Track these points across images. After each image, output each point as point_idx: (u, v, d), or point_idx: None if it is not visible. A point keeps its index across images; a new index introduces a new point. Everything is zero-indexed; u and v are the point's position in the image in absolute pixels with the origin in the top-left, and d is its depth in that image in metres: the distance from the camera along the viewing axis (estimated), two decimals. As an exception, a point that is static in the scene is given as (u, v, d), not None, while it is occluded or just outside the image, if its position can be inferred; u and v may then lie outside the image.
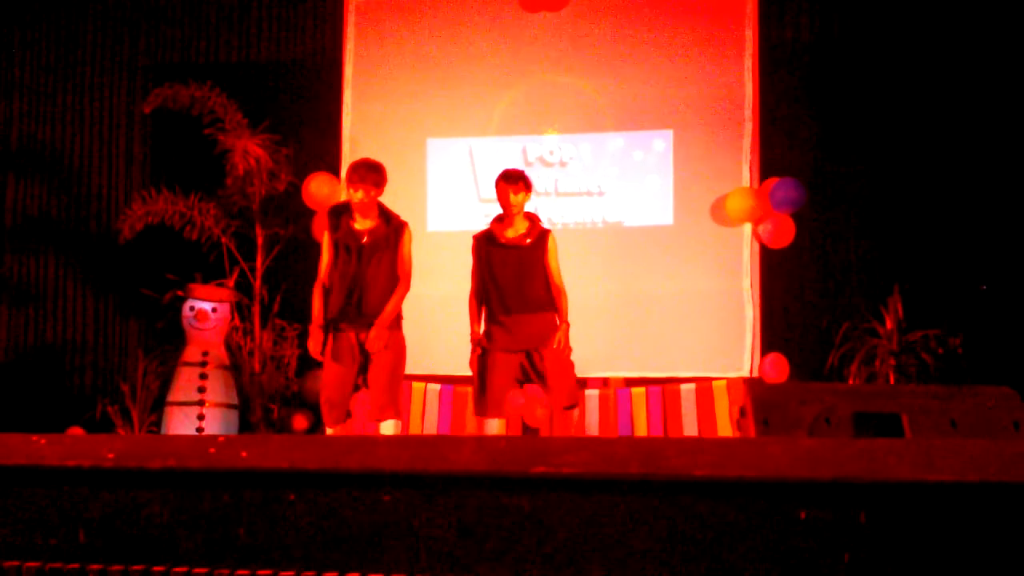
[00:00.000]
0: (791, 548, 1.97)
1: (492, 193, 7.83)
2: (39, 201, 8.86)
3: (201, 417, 7.10)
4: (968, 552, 1.93)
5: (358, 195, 5.58)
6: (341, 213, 5.71)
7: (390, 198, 5.82)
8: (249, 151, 7.72)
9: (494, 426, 5.80)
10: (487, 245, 5.86)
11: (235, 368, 7.47)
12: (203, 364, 7.22)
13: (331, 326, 5.61)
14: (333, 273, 5.65)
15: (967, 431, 2.72)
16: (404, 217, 5.81)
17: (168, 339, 7.66)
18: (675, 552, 2.01)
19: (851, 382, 6.93)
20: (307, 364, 7.64)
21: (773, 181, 7.48)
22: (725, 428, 7.00)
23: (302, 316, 7.78)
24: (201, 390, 7.16)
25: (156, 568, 2.14)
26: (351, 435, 5.52)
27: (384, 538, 2.10)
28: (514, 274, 5.78)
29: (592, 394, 7.29)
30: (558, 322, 5.80)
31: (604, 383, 7.36)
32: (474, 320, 5.85)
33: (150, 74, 8.70)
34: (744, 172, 7.57)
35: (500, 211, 5.94)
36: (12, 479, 2.25)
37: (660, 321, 7.54)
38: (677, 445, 2.04)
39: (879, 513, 1.95)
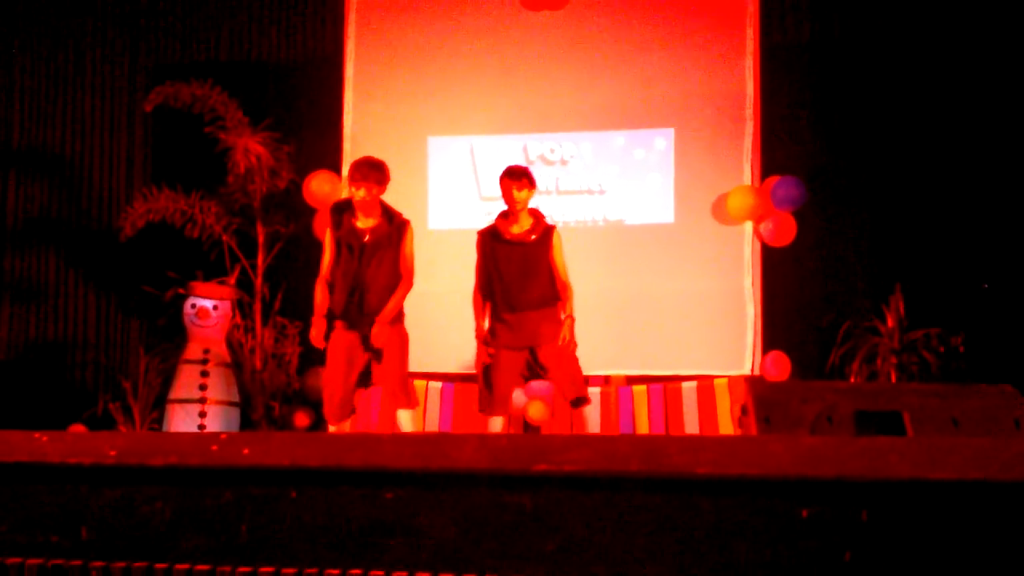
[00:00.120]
0: (792, 546, 1.97)
1: (493, 191, 7.87)
2: (41, 199, 8.87)
3: (203, 414, 7.10)
4: (970, 550, 1.93)
5: (360, 193, 5.59)
6: (343, 211, 5.72)
7: (391, 196, 5.83)
8: (250, 149, 7.73)
9: (497, 424, 5.81)
10: (492, 241, 5.86)
11: (236, 366, 7.48)
12: (204, 362, 7.23)
13: (333, 324, 5.62)
14: (335, 271, 5.66)
15: (969, 429, 2.72)
16: (405, 215, 5.81)
17: (169, 336, 7.67)
18: (676, 550, 2.01)
19: (852, 380, 6.93)
20: (308, 361, 7.65)
21: (774, 179, 7.48)
22: (726, 426, 7.00)
23: (303, 314, 7.78)
24: (202, 387, 7.16)
25: (158, 565, 2.14)
26: (353, 432, 5.53)
27: (385, 536, 2.10)
28: (519, 271, 5.78)
29: (593, 392, 7.27)
30: (563, 317, 5.79)
31: (605, 381, 7.36)
32: (479, 317, 5.86)
33: (151, 73, 8.71)
34: (745, 170, 7.57)
35: (503, 208, 5.94)
36: (14, 476, 2.25)
37: (661, 319, 7.54)
38: (678, 443, 2.04)
39: (881, 511, 1.95)
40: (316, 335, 5.62)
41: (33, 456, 2.23)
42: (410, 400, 5.73)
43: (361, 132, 7.98)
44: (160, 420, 7.36)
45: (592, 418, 5.92)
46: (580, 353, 5.86)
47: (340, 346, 5.62)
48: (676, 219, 7.69)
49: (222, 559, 2.13)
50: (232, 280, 7.70)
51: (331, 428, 5.72)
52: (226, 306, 7.45)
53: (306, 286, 7.95)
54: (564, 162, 7.78)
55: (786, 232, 7.49)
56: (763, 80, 7.64)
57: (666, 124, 7.75)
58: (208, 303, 7.36)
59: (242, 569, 2.11)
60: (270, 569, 2.11)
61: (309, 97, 8.46)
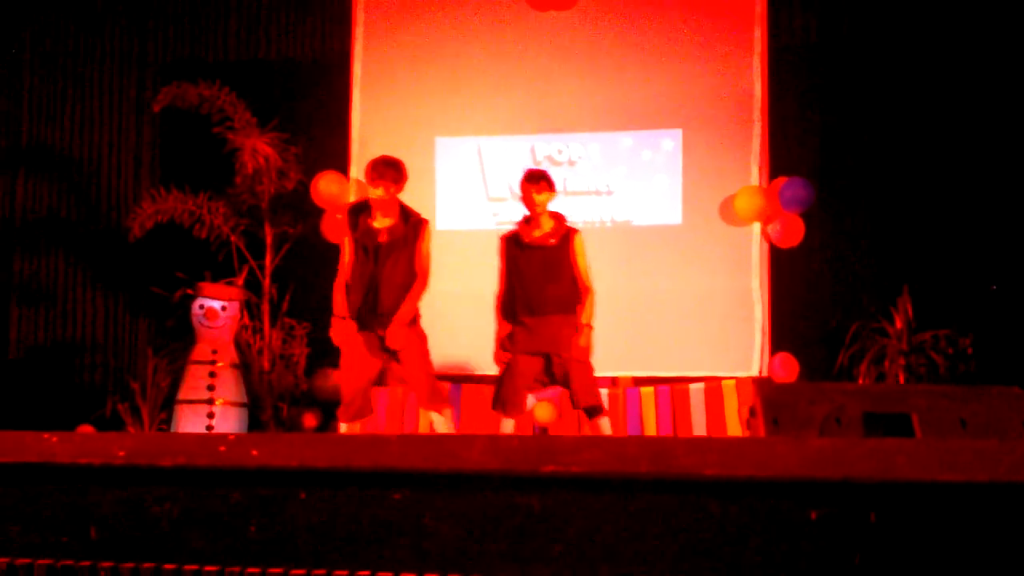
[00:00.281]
0: (801, 548, 1.97)
1: (501, 192, 7.89)
2: (49, 200, 8.89)
3: (211, 415, 7.11)
4: (978, 552, 1.93)
5: (378, 192, 5.59)
6: (360, 212, 5.72)
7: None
8: (258, 150, 7.74)
9: (509, 425, 5.82)
10: (513, 246, 5.87)
11: (245, 366, 7.49)
12: (213, 362, 7.24)
13: (351, 324, 5.62)
14: (353, 272, 5.66)
15: (977, 431, 2.71)
16: (415, 215, 5.81)
17: (178, 337, 7.68)
18: (684, 552, 2.01)
19: (861, 382, 6.92)
20: (316, 362, 7.66)
21: (782, 180, 7.47)
22: (734, 428, 7.00)
23: (311, 315, 7.81)
24: (211, 388, 7.17)
25: (167, 566, 2.15)
26: (362, 433, 5.53)
27: (394, 536, 2.10)
28: (539, 274, 5.77)
29: (601, 393, 7.28)
30: (580, 324, 5.78)
31: (613, 382, 7.36)
32: (500, 320, 5.86)
33: (159, 73, 8.72)
34: (753, 171, 7.57)
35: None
36: (23, 476, 2.26)
37: (669, 320, 7.54)
38: (687, 444, 2.04)
39: (889, 513, 1.95)
40: (336, 335, 5.62)
41: (43, 457, 2.23)
42: (441, 402, 5.73)
43: (369, 132, 7.98)
44: (168, 421, 7.37)
45: (606, 426, 5.90)
46: (588, 354, 5.86)
47: (356, 346, 5.62)
48: (684, 220, 7.68)
49: (231, 560, 2.13)
50: (240, 281, 7.71)
51: (342, 427, 5.72)
52: (234, 307, 7.46)
53: (314, 287, 7.99)
54: (572, 163, 7.78)
55: (794, 233, 7.48)
56: (771, 81, 7.64)
57: (674, 125, 7.75)
58: (216, 304, 7.37)
59: (251, 570, 2.12)
60: (279, 570, 2.11)
61: (317, 97, 8.47)
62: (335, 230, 7.89)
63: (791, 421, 2.53)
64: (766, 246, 7.56)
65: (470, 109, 7.99)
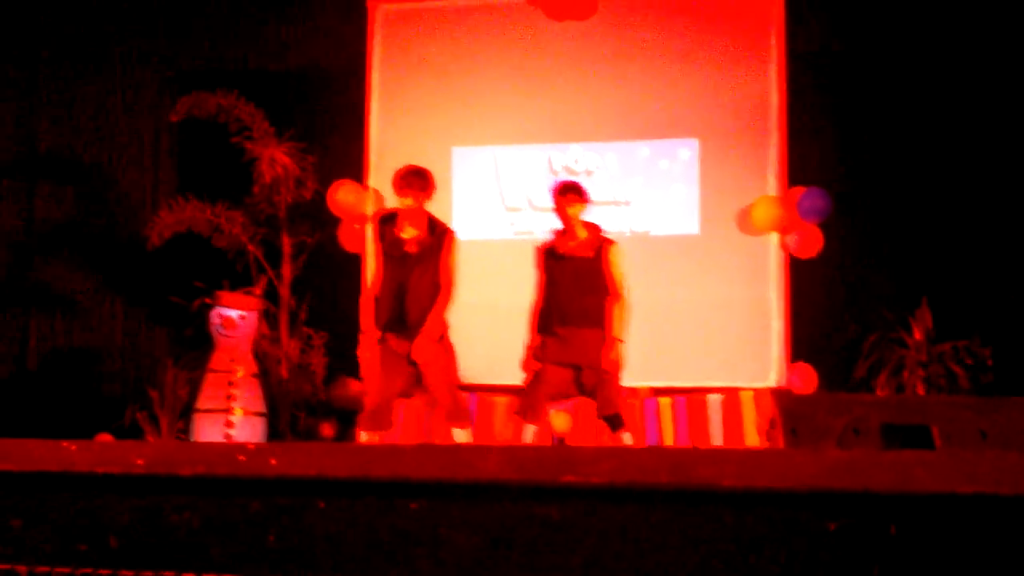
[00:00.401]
0: (820, 560, 1.96)
1: (517, 201, 7.90)
2: (68, 209, 8.93)
3: (229, 424, 7.12)
4: (999, 566, 1.92)
5: (406, 202, 5.60)
6: (387, 222, 5.73)
7: (417, 206, 5.82)
8: (276, 160, 7.76)
9: (531, 432, 5.81)
10: (548, 257, 5.88)
11: (263, 376, 7.50)
12: (231, 372, 7.25)
13: (382, 338, 5.62)
14: (382, 283, 5.67)
15: (997, 442, 2.70)
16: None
17: (197, 346, 7.70)
18: (703, 563, 2.00)
19: (879, 393, 6.89)
20: (334, 372, 7.67)
21: (800, 190, 7.45)
22: (752, 438, 6.97)
23: (329, 324, 7.83)
24: (229, 397, 7.19)
25: (186, 575, 2.15)
26: (380, 443, 5.54)
27: (411, 546, 2.10)
28: (573, 286, 5.77)
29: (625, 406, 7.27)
30: (610, 337, 5.76)
31: (631, 393, 7.34)
32: (533, 331, 5.85)
33: (177, 82, 8.76)
34: (770, 181, 7.55)
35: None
36: (43, 485, 2.27)
37: (686, 331, 7.52)
38: (705, 455, 2.04)
39: (909, 525, 1.94)
40: (362, 356, 5.63)
41: (62, 465, 2.24)
42: (464, 418, 5.73)
43: (386, 142, 8.01)
44: (186, 430, 7.38)
45: (627, 441, 5.89)
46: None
47: (384, 359, 5.62)
48: (701, 230, 7.67)
49: (250, 569, 2.13)
50: (258, 290, 7.73)
51: (362, 436, 5.72)
52: (252, 316, 7.48)
53: (332, 296, 8.02)
54: (589, 173, 7.77)
55: (812, 243, 7.46)
56: (788, 90, 7.62)
57: (691, 134, 7.75)
58: (234, 313, 7.39)
59: (269, 579, 2.12)
60: (297, 580, 2.12)
61: (333, 107, 8.50)
62: (352, 239, 7.92)
63: (810, 432, 2.52)
64: (784, 256, 7.54)
65: (487, 119, 8.00)
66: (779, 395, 6.66)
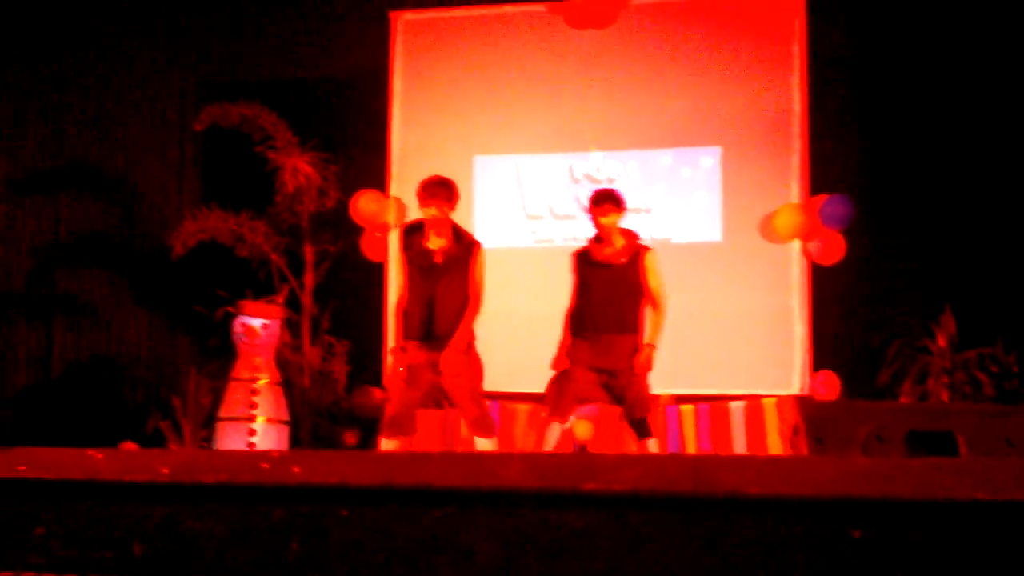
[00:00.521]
0: (844, 568, 1.95)
1: (539, 210, 7.90)
2: (92, 219, 8.99)
3: (252, 433, 7.14)
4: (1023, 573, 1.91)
5: (431, 212, 5.60)
6: (413, 232, 5.74)
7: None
8: (299, 169, 7.79)
9: (556, 430, 5.82)
10: (583, 263, 5.88)
11: (286, 384, 7.52)
12: (254, 380, 7.27)
13: (403, 347, 5.63)
14: (410, 293, 5.67)
15: (1023, 450, 2.68)
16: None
17: (220, 355, 7.73)
18: (725, 570, 1.99)
19: (903, 400, 6.85)
20: (356, 380, 7.69)
21: (822, 197, 7.43)
22: (774, 446, 6.94)
23: (351, 332, 7.85)
24: (252, 405, 7.21)
25: (210, 582, 2.16)
26: (402, 451, 5.55)
27: (433, 554, 2.11)
28: (607, 293, 5.77)
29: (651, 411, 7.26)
30: (644, 343, 5.75)
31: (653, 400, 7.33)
32: (566, 334, 5.85)
33: (200, 92, 8.81)
34: (793, 188, 7.53)
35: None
36: (69, 493, 2.28)
37: (709, 338, 7.50)
38: (728, 462, 2.04)
39: (933, 533, 1.93)
40: (392, 368, 5.64)
41: (87, 473, 2.26)
42: (489, 429, 5.73)
43: (407, 151, 8.02)
44: (209, 438, 7.41)
45: (653, 448, 5.88)
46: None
47: (410, 368, 5.62)
48: (724, 237, 7.65)
49: (273, 576, 2.14)
50: (281, 299, 7.75)
51: (383, 443, 5.72)
52: (275, 325, 7.49)
53: (354, 305, 8.03)
54: (611, 181, 7.75)
55: (835, 250, 7.43)
56: (810, 97, 7.60)
57: (713, 142, 7.73)
58: (257, 322, 7.41)
59: (293, 586, 2.13)
60: (320, 587, 2.12)
61: (355, 116, 8.52)
62: (374, 248, 7.94)
63: (834, 439, 2.51)
64: (806, 263, 7.51)
65: (508, 127, 8.01)
66: (803, 402, 6.64)
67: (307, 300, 7.91)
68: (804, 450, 2.53)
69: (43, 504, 2.29)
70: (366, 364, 7.86)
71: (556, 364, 5.86)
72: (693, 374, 7.45)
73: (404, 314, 5.69)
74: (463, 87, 8.08)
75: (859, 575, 1.95)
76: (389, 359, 5.73)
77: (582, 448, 7.14)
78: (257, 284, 7.83)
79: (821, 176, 7.63)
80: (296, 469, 2.15)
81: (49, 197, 9.02)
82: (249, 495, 2.17)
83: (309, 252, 7.96)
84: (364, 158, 8.23)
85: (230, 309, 7.55)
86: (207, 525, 2.19)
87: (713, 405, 7.23)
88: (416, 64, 8.15)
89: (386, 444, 5.70)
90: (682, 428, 7.22)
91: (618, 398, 5.81)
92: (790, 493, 1.97)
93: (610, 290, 5.76)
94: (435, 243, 5.65)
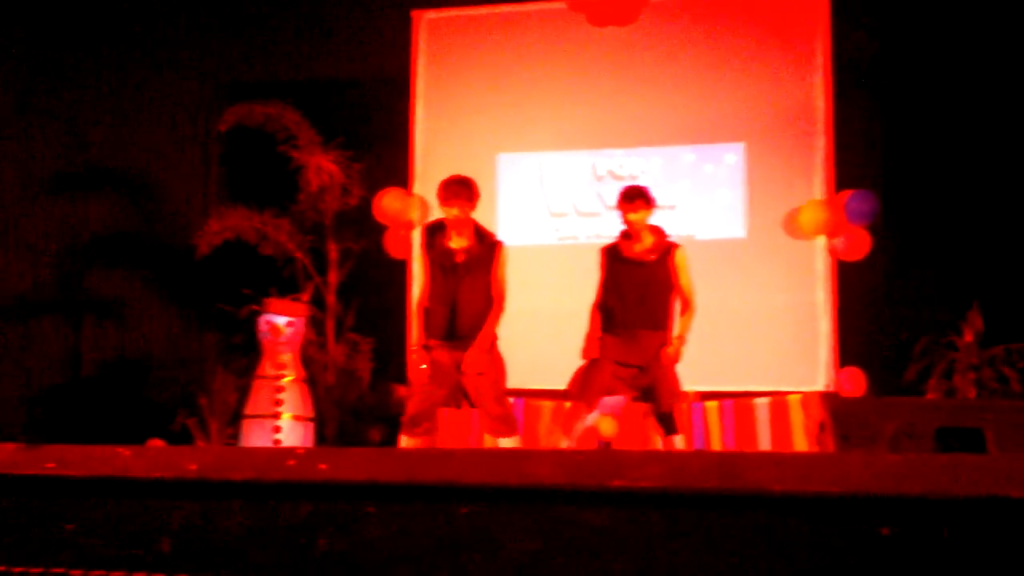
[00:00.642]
0: (873, 565, 1.94)
1: (562, 207, 7.90)
2: (118, 219, 9.05)
3: (278, 430, 7.17)
4: (1055, 570, 1.90)
5: (453, 212, 5.60)
6: (436, 231, 5.74)
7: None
8: (322, 167, 7.82)
9: (582, 424, 5.82)
10: (612, 259, 5.87)
11: (311, 381, 7.54)
12: (279, 377, 7.30)
13: (427, 345, 5.64)
14: (432, 292, 5.67)
15: (1052, 446, 2.66)
16: (479, 234, 5.82)
17: (245, 352, 7.76)
18: (753, 568, 1.99)
19: (930, 397, 6.81)
20: (380, 377, 7.70)
21: (847, 193, 7.39)
22: (800, 443, 6.91)
23: (375, 330, 7.87)
24: (277, 403, 7.23)
25: (238, 578, 2.17)
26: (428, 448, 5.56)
27: (461, 551, 2.11)
28: (636, 290, 5.77)
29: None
30: (674, 336, 5.75)
31: (677, 397, 7.31)
32: (593, 330, 5.84)
33: (225, 91, 8.84)
34: (817, 184, 7.49)
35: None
36: (98, 490, 2.30)
37: (734, 334, 7.47)
38: (755, 459, 2.03)
39: (962, 529, 1.92)
40: (412, 367, 5.65)
41: (117, 471, 2.28)
42: (511, 429, 5.73)
43: (430, 149, 8.04)
44: (235, 436, 7.44)
45: (680, 445, 5.87)
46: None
47: (432, 368, 5.62)
48: (748, 234, 7.63)
49: (301, 573, 2.15)
50: (305, 297, 7.78)
51: (403, 441, 5.73)
52: (300, 323, 7.52)
53: (378, 302, 8.05)
54: (633, 178, 7.74)
55: (860, 246, 7.40)
56: (834, 92, 7.56)
57: (736, 139, 7.70)
58: (282, 320, 7.44)
59: (320, 583, 2.14)
60: (348, 583, 2.13)
61: (379, 114, 8.53)
62: (398, 246, 7.95)
63: (861, 436, 2.50)
64: (831, 259, 7.48)
65: (531, 125, 8.00)
66: (829, 399, 6.61)
67: (331, 298, 7.93)
68: (830, 447, 2.52)
69: (73, 501, 2.30)
70: (390, 361, 7.88)
71: (586, 353, 5.85)
72: (718, 371, 7.43)
73: (426, 313, 5.69)
74: (485, 85, 8.08)
75: (888, 573, 1.94)
76: (413, 357, 5.71)
77: (606, 445, 7.13)
78: (281, 282, 7.86)
79: (845, 172, 7.60)
80: (323, 466, 2.16)
81: (75, 198, 9.08)
82: (276, 492, 2.18)
83: (333, 250, 7.99)
84: (387, 156, 8.24)
85: (255, 307, 7.58)
86: (234, 522, 2.20)
87: (738, 402, 7.21)
88: (438, 62, 8.15)
89: (406, 442, 5.71)
90: (707, 425, 7.20)
91: (645, 394, 5.81)
92: (816, 490, 1.97)
93: (640, 287, 5.75)
94: (457, 243, 5.65)
